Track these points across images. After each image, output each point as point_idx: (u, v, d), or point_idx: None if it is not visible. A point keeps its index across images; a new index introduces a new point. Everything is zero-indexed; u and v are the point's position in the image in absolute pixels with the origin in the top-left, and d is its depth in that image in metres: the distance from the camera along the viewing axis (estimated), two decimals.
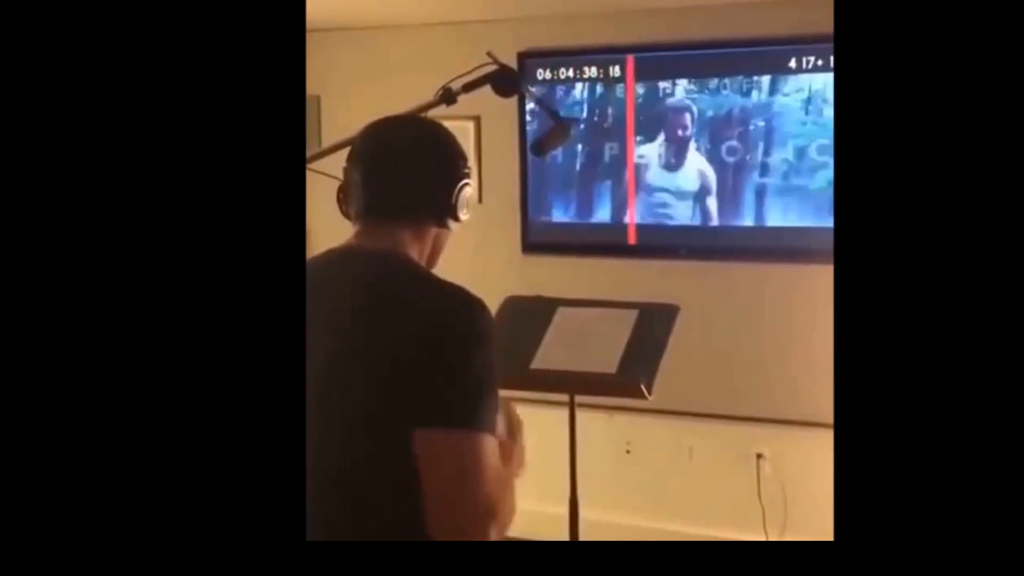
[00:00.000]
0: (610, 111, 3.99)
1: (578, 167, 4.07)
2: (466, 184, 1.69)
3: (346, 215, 1.72)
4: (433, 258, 1.73)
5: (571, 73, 4.03)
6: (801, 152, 3.73)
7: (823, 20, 3.49)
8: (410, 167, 1.67)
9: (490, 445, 1.49)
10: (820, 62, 3.65)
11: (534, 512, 3.50)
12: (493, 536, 1.48)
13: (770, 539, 3.83)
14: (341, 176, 1.74)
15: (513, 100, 2.97)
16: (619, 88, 3.97)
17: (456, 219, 1.69)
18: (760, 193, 3.81)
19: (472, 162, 4.21)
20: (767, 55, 3.75)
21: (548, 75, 4.06)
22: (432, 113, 2.23)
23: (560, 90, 4.06)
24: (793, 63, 3.69)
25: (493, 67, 2.16)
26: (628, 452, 4.08)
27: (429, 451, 1.47)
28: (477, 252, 3.90)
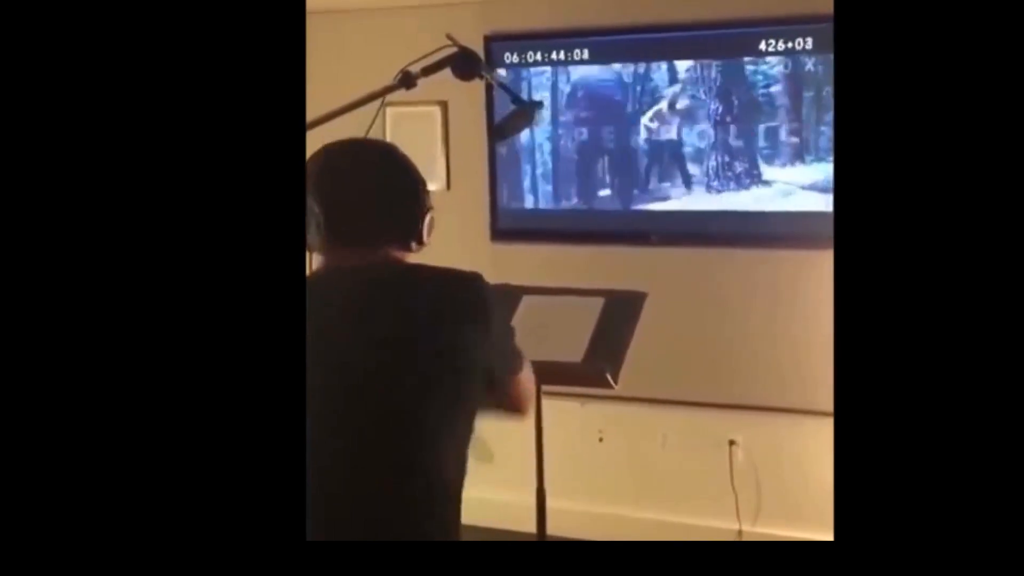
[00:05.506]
0: (579, 95, 3.95)
1: (547, 153, 4.03)
2: (430, 210, 1.74)
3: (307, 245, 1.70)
4: None
5: (539, 56, 3.98)
6: (773, 136, 3.70)
7: (793, 2, 3.50)
8: (374, 198, 1.69)
9: (528, 369, 1.85)
10: (789, 45, 3.62)
11: (504, 503, 3.49)
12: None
13: (743, 526, 3.82)
14: None
15: (481, 84, 2.93)
16: (588, 71, 3.92)
17: (421, 244, 1.74)
18: (729, 178, 3.78)
19: (439, 148, 4.19)
20: (736, 38, 3.71)
21: (515, 59, 4.01)
22: (396, 97, 2.18)
23: (528, 73, 4.01)
24: (763, 46, 3.66)
25: (453, 50, 2.12)
26: (601, 440, 4.06)
27: (506, 389, 1.79)
28: (445, 240, 3.83)
